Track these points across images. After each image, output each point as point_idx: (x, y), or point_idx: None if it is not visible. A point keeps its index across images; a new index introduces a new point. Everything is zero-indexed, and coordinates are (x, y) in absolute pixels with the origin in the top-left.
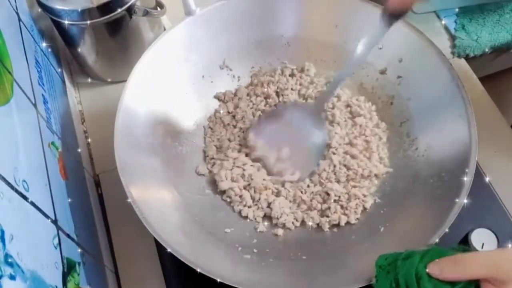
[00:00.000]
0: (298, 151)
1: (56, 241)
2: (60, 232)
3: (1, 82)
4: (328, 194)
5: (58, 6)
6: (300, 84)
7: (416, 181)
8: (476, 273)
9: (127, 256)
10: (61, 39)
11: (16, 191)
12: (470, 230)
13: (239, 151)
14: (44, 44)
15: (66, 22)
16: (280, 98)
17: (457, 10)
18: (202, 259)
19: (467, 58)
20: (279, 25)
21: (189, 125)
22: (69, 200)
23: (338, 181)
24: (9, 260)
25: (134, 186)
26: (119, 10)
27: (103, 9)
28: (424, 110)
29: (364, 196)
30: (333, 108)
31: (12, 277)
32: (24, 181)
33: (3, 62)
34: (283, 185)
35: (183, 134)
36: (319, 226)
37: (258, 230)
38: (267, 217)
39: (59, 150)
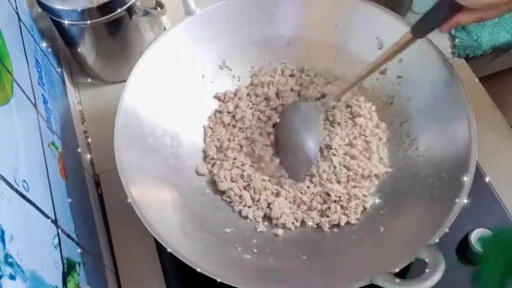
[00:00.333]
0: (293, 153)
1: (56, 241)
2: (60, 232)
3: (1, 82)
4: (328, 194)
5: (58, 6)
6: (300, 84)
7: (416, 181)
8: None
9: (127, 256)
10: (61, 39)
11: (16, 191)
12: (470, 230)
13: (239, 151)
14: (44, 44)
15: (66, 22)
16: (280, 101)
17: None
18: (202, 259)
19: (467, 58)
20: (279, 25)
21: (189, 125)
22: (69, 200)
23: (338, 182)
24: (9, 260)
25: (134, 186)
26: (119, 10)
27: (103, 9)
28: (424, 110)
29: (364, 196)
30: (333, 108)
31: (12, 277)
32: (24, 181)
33: (3, 62)
34: (282, 186)
35: (183, 134)
36: (319, 226)
37: (258, 230)
38: (267, 217)
39: (59, 150)
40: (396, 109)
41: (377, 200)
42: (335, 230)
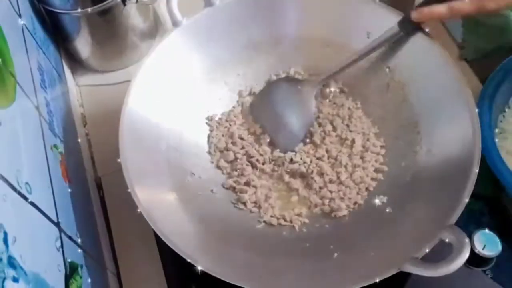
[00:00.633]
0: (285, 125)
1: (58, 243)
2: (63, 235)
3: (4, 85)
4: (331, 192)
5: None
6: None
7: (418, 181)
8: None
9: (129, 258)
10: (62, 41)
11: (19, 193)
12: (472, 231)
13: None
14: (46, 47)
15: (59, 11)
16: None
17: None
18: (207, 258)
19: (470, 61)
20: (279, 25)
21: (193, 125)
22: (72, 202)
23: (340, 183)
24: (12, 262)
25: (139, 187)
26: None
27: None
28: (427, 112)
29: (369, 196)
30: (333, 111)
31: (15, 280)
32: (27, 183)
33: (6, 65)
34: (287, 185)
35: (187, 134)
36: (323, 225)
37: (262, 228)
38: (271, 216)
39: (62, 152)
40: (398, 110)
41: (381, 200)
42: (340, 228)
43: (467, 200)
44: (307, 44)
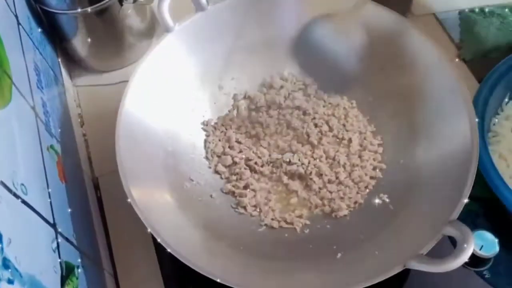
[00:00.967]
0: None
1: (54, 244)
2: (59, 236)
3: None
4: (331, 192)
5: None
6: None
7: (418, 178)
8: None
9: (126, 259)
10: (59, 41)
11: (15, 194)
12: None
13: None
14: (42, 47)
15: (56, 11)
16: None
17: (458, 12)
18: (204, 261)
19: (468, 60)
20: (275, 30)
21: (189, 127)
22: (68, 203)
23: (339, 182)
24: (7, 264)
25: (135, 188)
26: None
27: None
28: (425, 111)
29: (369, 194)
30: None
31: (10, 282)
32: (23, 184)
33: (2, 65)
34: (287, 187)
35: (183, 136)
36: (325, 226)
37: (264, 232)
38: (272, 218)
39: (58, 153)
40: (396, 109)
41: (381, 199)
42: (341, 229)
43: (468, 194)
44: (301, 46)
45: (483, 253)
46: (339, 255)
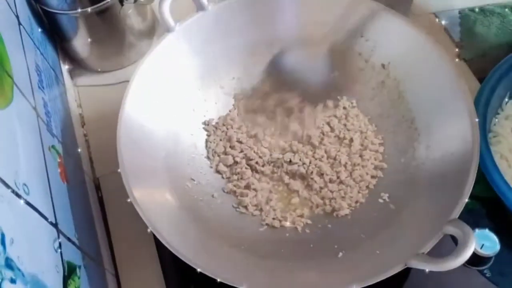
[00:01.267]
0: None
1: (56, 244)
2: (61, 236)
3: (1, 85)
4: (332, 192)
5: None
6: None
7: (419, 177)
8: None
9: (127, 259)
10: (60, 41)
11: (17, 194)
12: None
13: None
14: (43, 47)
15: (57, 11)
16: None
17: (459, 12)
18: (205, 260)
19: (469, 60)
20: (275, 30)
21: (191, 131)
22: (70, 203)
23: (340, 182)
24: (10, 263)
25: (137, 188)
26: None
27: None
28: (426, 110)
29: (370, 194)
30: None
31: (12, 281)
32: (25, 184)
33: (3, 66)
34: (288, 187)
35: (184, 137)
36: (326, 226)
37: (265, 231)
38: (273, 218)
39: (60, 153)
40: (397, 109)
41: (382, 199)
42: (343, 228)
43: (468, 194)
44: (301, 46)
45: (484, 252)
46: (340, 254)
